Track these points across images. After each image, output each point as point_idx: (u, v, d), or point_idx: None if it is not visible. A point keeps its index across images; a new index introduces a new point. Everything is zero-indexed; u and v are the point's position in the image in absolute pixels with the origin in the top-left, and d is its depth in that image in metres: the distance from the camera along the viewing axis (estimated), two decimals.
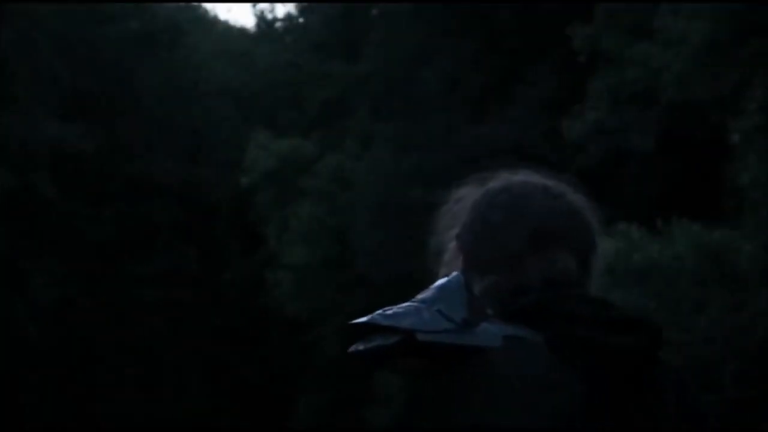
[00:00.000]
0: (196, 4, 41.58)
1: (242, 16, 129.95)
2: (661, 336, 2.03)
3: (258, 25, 39.28)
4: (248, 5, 69.93)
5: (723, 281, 16.63)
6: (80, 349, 29.78)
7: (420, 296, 1.95)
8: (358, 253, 25.86)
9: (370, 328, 1.89)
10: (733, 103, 18.43)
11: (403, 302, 1.95)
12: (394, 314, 1.89)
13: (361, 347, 1.89)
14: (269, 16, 39.39)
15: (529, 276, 2.06)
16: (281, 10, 60.58)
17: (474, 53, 27.26)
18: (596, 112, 21.98)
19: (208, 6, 61.78)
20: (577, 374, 1.89)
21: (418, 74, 27.14)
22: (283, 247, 27.97)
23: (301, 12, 37.28)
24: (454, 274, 1.98)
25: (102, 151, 29.90)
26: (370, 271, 25.08)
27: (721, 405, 15.40)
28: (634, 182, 23.02)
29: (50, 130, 28.34)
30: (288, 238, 27.85)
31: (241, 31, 41.71)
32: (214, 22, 41.30)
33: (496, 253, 2.09)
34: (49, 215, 29.26)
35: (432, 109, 26.33)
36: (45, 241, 29.44)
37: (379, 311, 1.91)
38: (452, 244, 2.18)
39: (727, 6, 18.91)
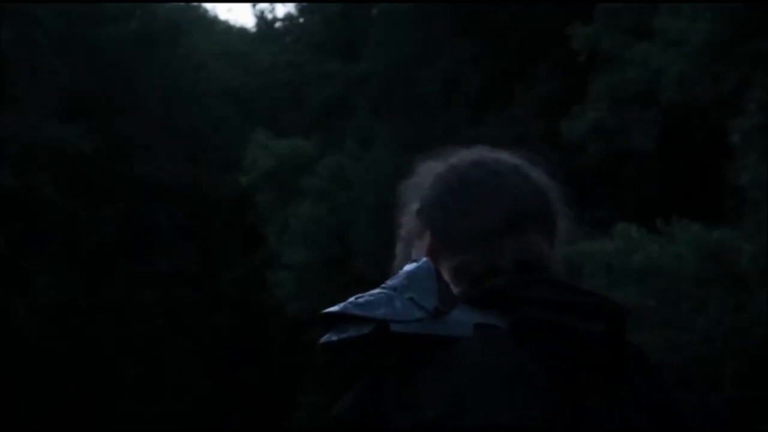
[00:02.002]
0: (196, 4, 41.62)
1: (242, 16, 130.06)
2: (627, 321, 1.94)
3: (258, 25, 39.34)
4: (248, 5, 69.97)
5: (723, 281, 16.62)
6: (80, 349, 29.76)
7: (390, 282, 1.89)
8: (358, 253, 25.84)
9: (342, 318, 1.85)
10: (733, 103, 18.43)
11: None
12: (366, 303, 1.84)
13: (334, 338, 1.84)
14: (269, 16, 39.48)
15: (504, 257, 1.98)
16: (281, 10, 60.71)
17: (474, 53, 27.27)
18: (596, 112, 21.99)
19: (208, 6, 61.88)
20: (543, 364, 1.82)
21: (418, 74, 27.14)
22: (283, 247, 27.96)
23: (301, 12, 37.31)
24: (423, 260, 1.91)
25: (102, 151, 29.89)
26: (370, 271, 25.04)
27: (721, 405, 15.40)
28: (634, 182, 23.02)
29: (50, 130, 28.32)
30: (288, 238, 27.84)
31: (241, 31, 41.78)
32: (214, 22, 41.36)
33: (470, 232, 2.00)
34: (49, 215, 29.24)
35: (432, 109, 26.33)
36: (45, 241, 29.43)
37: (351, 299, 1.86)
38: (412, 220, 2.09)
39: (727, 6, 18.91)
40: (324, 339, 1.86)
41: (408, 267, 1.91)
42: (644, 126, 21.66)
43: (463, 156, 2.12)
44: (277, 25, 38.79)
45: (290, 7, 50.02)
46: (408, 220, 2.12)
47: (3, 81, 28.26)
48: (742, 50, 18.65)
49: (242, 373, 31.26)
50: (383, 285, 1.89)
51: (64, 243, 29.83)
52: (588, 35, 22.23)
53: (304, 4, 36.51)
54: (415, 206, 2.10)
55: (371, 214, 25.51)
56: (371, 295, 1.87)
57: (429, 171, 2.13)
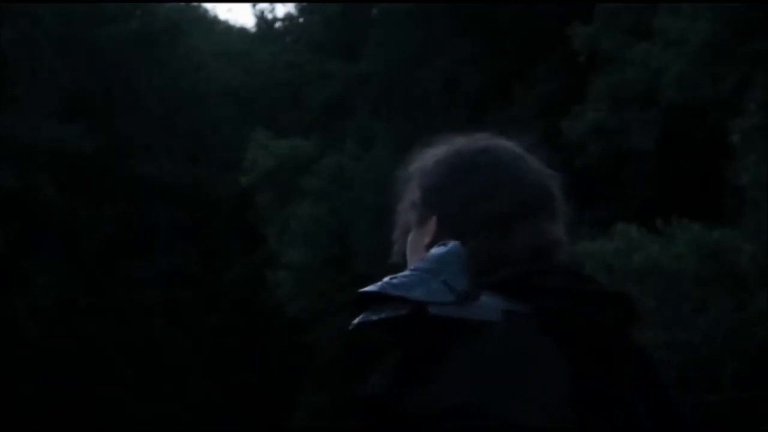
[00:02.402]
0: (196, 4, 41.63)
1: (242, 16, 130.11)
2: (638, 310, 1.94)
3: (258, 25, 39.35)
4: (248, 5, 69.95)
5: (723, 281, 16.63)
6: (80, 349, 29.76)
7: (419, 265, 1.85)
8: (358, 253, 25.85)
9: (377, 298, 1.80)
10: (733, 103, 18.44)
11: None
12: (402, 284, 1.80)
13: (374, 317, 1.80)
14: (269, 16, 39.49)
15: (514, 245, 1.96)
16: (281, 10, 60.71)
17: (474, 53, 27.28)
18: (596, 112, 22.00)
19: (208, 6, 61.90)
20: (565, 353, 1.81)
21: (418, 74, 27.15)
22: (283, 247, 27.96)
23: (301, 12, 37.32)
24: (452, 243, 1.87)
25: (102, 151, 29.90)
26: (370, 271, 25.03)
27: (721, 405, 15.40)
28: (634, 182, 23.02)
29: (50, 130, 28.33)
30: (288, 238, 27.84)
31: (241, 31, 41.78)
32: (214, 22, 41.36)
33: (480, 218, 1.97)
34: (49, 215, 29.24)
35: (432, 109, 26.33)
36: (45, 241, 29.43)
37: (386, 279, 1.82)
38: (413, 207, 2.06)
39: (727, 6, 18.92)
40: (360, 319, 1.81)
41: (435, 250, 1.87)
42: (644, 126, 21.66)
43: (465, 142, 2.10)
44: (277, 25, 38.81)
45: (290, 7, 50.05)
46: (407, 207, 2.08)
47: (3, 81, 28.27)
48: (742, 50, 18.66)
49: (242, 373, 31.26)
50: (413, 267, 1.85)
51: (64, 243, 29.83)
52: (588, 35, 22.24)
53: (304, 4, 36.52)
54: (415, 193, 2.06)
55: (371, 214, 25.52)
56: (405, 276, 1.82)
57: (428, 158, 2.09)
